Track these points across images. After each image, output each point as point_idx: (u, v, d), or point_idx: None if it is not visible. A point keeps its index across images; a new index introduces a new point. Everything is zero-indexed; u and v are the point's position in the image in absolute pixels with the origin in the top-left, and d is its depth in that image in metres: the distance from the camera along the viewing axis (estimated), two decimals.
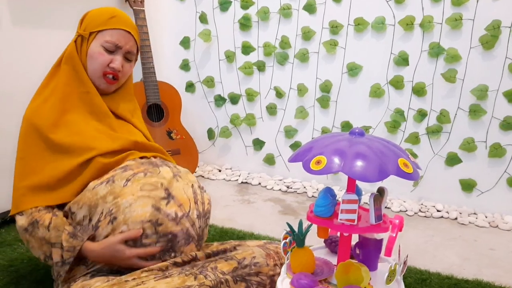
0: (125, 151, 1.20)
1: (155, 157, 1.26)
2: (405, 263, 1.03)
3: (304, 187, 2.34)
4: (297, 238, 1.05)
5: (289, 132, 2.42)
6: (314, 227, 1.10)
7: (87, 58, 1.21)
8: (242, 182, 2.45)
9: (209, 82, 2.57)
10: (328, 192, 1.02)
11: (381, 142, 0.98)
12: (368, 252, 1.09)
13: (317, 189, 2.32)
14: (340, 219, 0.96)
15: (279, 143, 2.48)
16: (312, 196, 2.25)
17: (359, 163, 0.91)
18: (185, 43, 2.58)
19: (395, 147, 0.98)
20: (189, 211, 1.13)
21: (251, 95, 2.48)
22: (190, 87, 2.64)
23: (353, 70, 2.19)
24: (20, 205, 1.14)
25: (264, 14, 2.33)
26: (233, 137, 2.60)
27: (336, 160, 0.92)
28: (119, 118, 1.28)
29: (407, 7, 2.04)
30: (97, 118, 1.22)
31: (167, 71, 2.58)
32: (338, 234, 1.23)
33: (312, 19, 2.24)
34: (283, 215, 2.02)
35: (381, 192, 1.03)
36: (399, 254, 1.06)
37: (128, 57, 1.25)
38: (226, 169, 2.63)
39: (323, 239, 1.21)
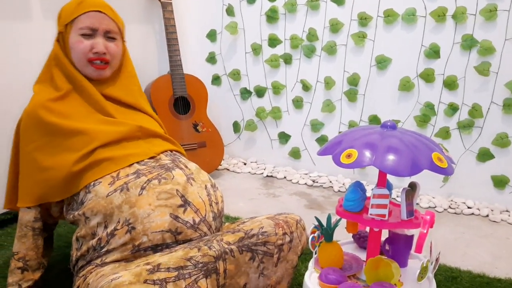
0: (129, 138, 1.20)
1: (165, 151, 1.25)
2: (437, 260, 1.01)
3: (330, 182, 2.32)
4: (325, 232, 1.03)
5: (315, 125, 2.40)
6: (343, 221, 1.09)
7: (70, 51, 1.21)
8: (267, 176, 2.45)
9: (235, 75, 2.56)
10: (358, 187, 1.00)
11: (414, 135, 0.96)
12: (398, 248, 1.07)
13: (343, 184, 2.29)
14: (371, 214, 0.94)
15: (305, 137, 2.46)
16: (338, 190, 2.23)
17: (391, 157, 0.89)
18: (212, 35, 2.58)
19: (428, 141, 0.95)
20: (205, 215, 1.12)
21: (277, 88, 2.46)
22: (216, 80, 2.64)
23: (382, 63, 2.14)
24: (27, 200, 1.19)
25: (291, 6, 2.31)
26: (258, 130, 2.60)
27: (367, 153, 0.90)
28: (121, 104, 1.27)
29: None
30: (97, 108, 1.21)
31: (193, 64, 2.59)
32: (367, 229, 1.21)
33: (341, 11, 2.20)
34: (309, 209, 2.00)
35: (413, 187, 1.00)
36: (430, 251, 1.03)
37: (110, 36, 1.22)
38: (251, 162, 2.62)
39: (351, 234, 1.19)
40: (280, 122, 2.52)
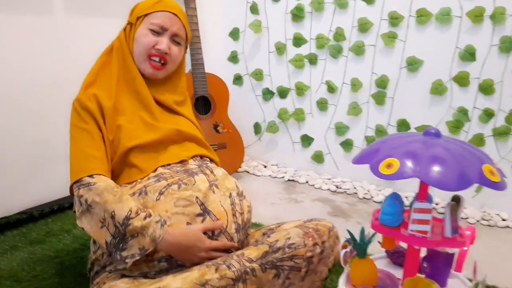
0: (165, 141, 1.16)
1: (196, 156, 1.20)
2: (483, 283, 0.91)
3: (355, 188, 2.22)
4: (358, 247, 0.95)
5: (340, 129, 2.31)
6: (377, 235, 1.00)
7: (133, 43, 1.18)
8: (288, 180, 2.36)
9: (258, 75, 2.49)
10: (396, 199, 0.92)
11: (461, 144, 0.87)
12: (438, 267, 0.98)
13: (368, 191, 2.20)
14: (411, 230, 0.86)
15: (329, 140, 2.37)
16: (363, 197, 2.13)
17: (436, 168, 0.80)
18: (234, 34, 2.51)
19: (477, 151, 0.86)
20: (226, 226, 1.05)
21: (301, 89, 2.38)
22: (238, 79, 2.57)
23: (413, 64, 2.04)
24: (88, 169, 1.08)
25: (318, 4, 2.22)
26: (280, 133, 2.52)
27: (410, 164, 0.82)
28: (164, 107, 1.23)
29: None
30: (142, 106, 1.18)
31: (215, 63, 2.52)
32: (402, 243, 1.12)
33: (370, 9, 2.11)
34: (333, 216, 1.91)
35: (457, 201, 0.91)
36: (475, 271, 0.94)
37: (176, 40, 1.20)
38: (272, 165, 2.54)
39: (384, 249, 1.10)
40: (303, 124, 2.43)
